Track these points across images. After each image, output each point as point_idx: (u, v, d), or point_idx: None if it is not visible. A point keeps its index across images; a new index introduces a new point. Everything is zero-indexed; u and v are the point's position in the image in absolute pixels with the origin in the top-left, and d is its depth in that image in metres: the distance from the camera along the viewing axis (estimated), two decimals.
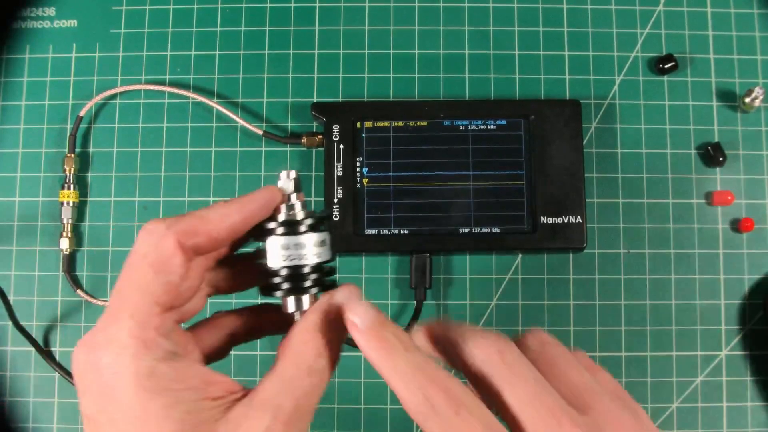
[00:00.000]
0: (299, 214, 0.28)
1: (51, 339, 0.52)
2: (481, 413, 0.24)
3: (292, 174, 0.28)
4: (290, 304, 0.28)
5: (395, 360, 0.25)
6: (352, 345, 0.26)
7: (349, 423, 0.50)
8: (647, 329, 0.51)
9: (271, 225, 0.27)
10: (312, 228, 0.28)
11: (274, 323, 0.31)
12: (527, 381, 0.25)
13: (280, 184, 0.28)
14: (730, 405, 0.50)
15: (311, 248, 0.27)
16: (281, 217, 0.28)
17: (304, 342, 0.26)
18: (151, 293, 0.25)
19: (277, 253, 0.27)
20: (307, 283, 0.27)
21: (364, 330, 0.26)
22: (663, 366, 0.51)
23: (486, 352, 0.26)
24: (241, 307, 0.31)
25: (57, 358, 0.51)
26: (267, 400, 0.25)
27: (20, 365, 0.52)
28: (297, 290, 0.27)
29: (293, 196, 0.28)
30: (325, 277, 0.28)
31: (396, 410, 0.49)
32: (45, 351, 0.51)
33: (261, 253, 0.28)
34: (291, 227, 0.27)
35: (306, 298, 0.28)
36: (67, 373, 0.50)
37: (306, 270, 0.27)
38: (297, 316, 0.28)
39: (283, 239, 0.27)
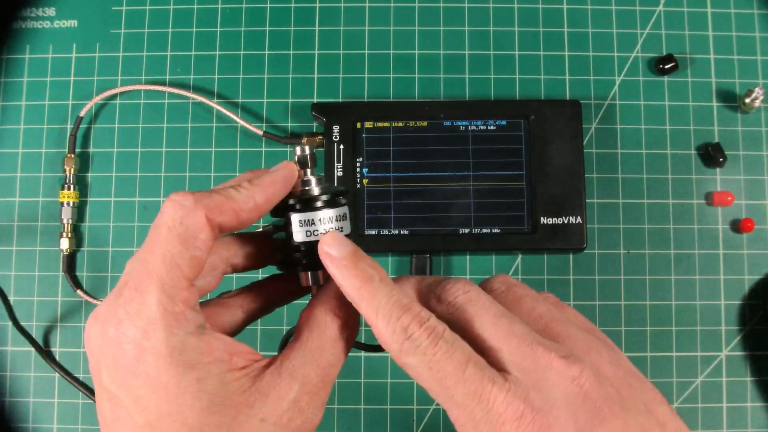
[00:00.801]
0: (316, 190, 0.28)
1: (51, 339, 0.52)
2: (459, 344, 0.24)
3: (307, 149, 0.28)
4: (308, 278, 0.28)
5: (372, 291, 0.25)
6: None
7: (350, 423, 0.50)
8: (647, 329, 0.51)
9: (291, 201, 0.28)
10: (330, 203, 0.28)
11: (284, 294, 0.31)
12: (492, 312, 0.25)
13: (294, 159, 0.28)
14: (730, 405, 0.50)
15: (329, 223, 0.28)
16: (299, 193, 0.28)
17: (329, 313, 0.26)
18: (178, 266, 0.24)
19: (297, 228, 0.27)
20: None
21: (338, 258, 0.26)
22: (663, 366, 0.51)
23: (452, 294, 0.26)
24: (248, 284, 0.31)
25: (57, 358, 0.51)
26: (294, 370, 0.25)
27: (20, 365, 0.52)
28: (314, 266, 0.27)
29: (308, 171, 0.28)
30: None
31: (396, 410, 0.49)
32: (45, 351, 0.51)
33: (277, 228, 0.29)
34: (309, 203, 0.28)
35: (323, 273, 0.28)
36: (67, 374, 0.50)
37: None
38: (314, 290, 0.28)
39: (301, 215, 0.27)
